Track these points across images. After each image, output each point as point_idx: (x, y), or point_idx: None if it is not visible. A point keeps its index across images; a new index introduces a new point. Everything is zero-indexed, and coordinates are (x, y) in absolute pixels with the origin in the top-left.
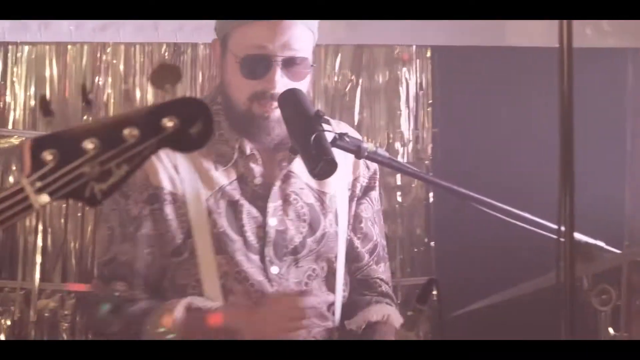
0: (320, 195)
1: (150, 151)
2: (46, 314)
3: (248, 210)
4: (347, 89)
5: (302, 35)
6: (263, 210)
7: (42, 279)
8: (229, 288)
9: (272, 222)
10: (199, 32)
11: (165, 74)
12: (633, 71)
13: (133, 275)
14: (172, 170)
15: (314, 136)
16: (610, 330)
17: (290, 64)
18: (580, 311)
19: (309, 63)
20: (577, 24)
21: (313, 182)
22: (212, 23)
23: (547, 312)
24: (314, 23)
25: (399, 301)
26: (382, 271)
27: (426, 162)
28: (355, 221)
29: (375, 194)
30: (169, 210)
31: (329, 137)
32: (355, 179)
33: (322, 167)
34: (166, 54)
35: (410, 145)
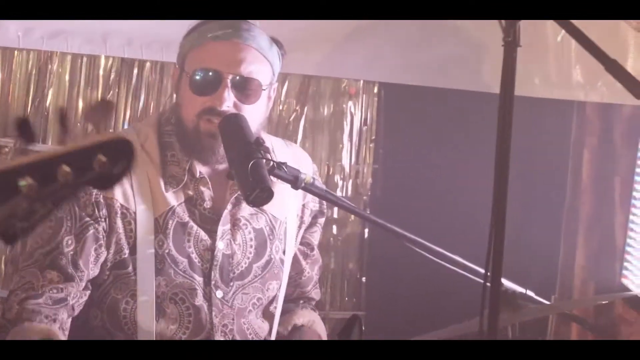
0: (271, 221)
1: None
2: None
3: (196, 232)
4: (291, 118)
5: (256, 60)
6: (211, 234)
7: None
8: (163, 309)
9: (220, 245)
10: (148, 49)
11: (99, 110)
12: (577, 123)
13: (74, 268)
14: (127, 185)
15: (251, 163)
16: None
17: (240, 84)
18: None
19: (261, 87)
20: (525, 72)
21: (266, 206)
22: (160, 41)
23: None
24: (274, 55)
25: (327, 333)
26: (317, 292)
27: (364, 197)
28: (306, 247)
29: (323, 220)
30: (119, 222)
31: (268, 165)
32: (304, 205)
33: (258, 195)
34: (113, 68)
35: (350, 180)
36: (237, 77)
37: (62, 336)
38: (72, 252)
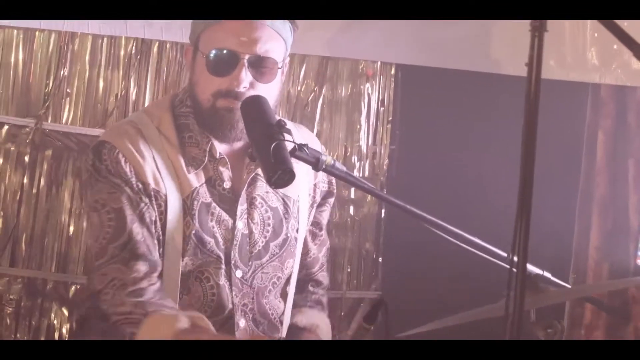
0: (285, 200)
1: None
2: None
3: (219, 213)
4: (309, 99)
5: (271, 38)
6: (231, 213)
7: None
8: (188, 286)
9: (239, 225)
10: (168, 30)
11: None
12: (591, 105)
13: (150, 253)
14: (154, 168)
15: (273, 145)
16: None
17: (256, 63)
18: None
19: (277, 65)
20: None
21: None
22: (179, 22)
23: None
24: (287, 30)
25: (342, 313)
26: (324, 274)
27: (381, 178)
28: (315, 227)
29: (332, 200)
30: (154, 205)
31: (289, 147)
32: (315, 185)
33: (280, 176)
34: (133, 48)
35: (367, 161)
36: (254, 57)
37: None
38: (144, 239)
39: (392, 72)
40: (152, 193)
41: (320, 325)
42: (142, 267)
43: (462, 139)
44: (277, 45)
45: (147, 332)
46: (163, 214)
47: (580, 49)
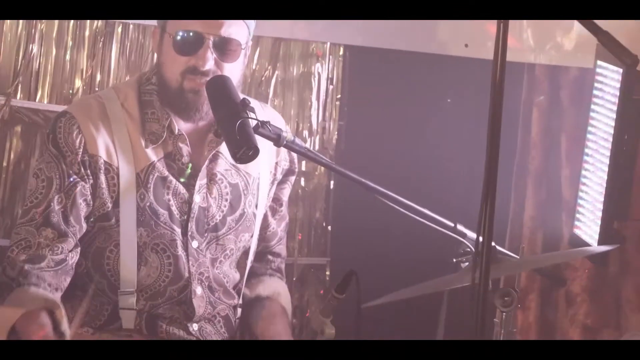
0: (246, 177)
1: None
2: None
3: (175, 186)
4: (263, 78)
5: (235, 22)
6: (189, 187)
7: None
8: (144, 257)
9: (197, 198)
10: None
11: None
12: (527, 84)
13: (66, 224)
14: (109, 141)
15: (238, 122)
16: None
17: (220, 45)
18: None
19: (240, 46)
20: (481, 36)
21: (240, 165)
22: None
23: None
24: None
25: (294, 278)
26: (282, 247)
27: (330, 151)
28: (275, 203)
29: (293, 178)
30: (102, 178)
31: (252, 124)
32: (277, 163)
33: (245, 152)
34: (97, 29)
35: (317, 136)
36: (218, 38)
37: (63, 308)
38: (62, 210)
39: (341, 52)
40: (103, 166)
41: (281, 293)
42: (49, 234)
43: (404, 115)
44: (240, 29)
45: (8, 302)
46: (116, 186)
47: (517, 31)
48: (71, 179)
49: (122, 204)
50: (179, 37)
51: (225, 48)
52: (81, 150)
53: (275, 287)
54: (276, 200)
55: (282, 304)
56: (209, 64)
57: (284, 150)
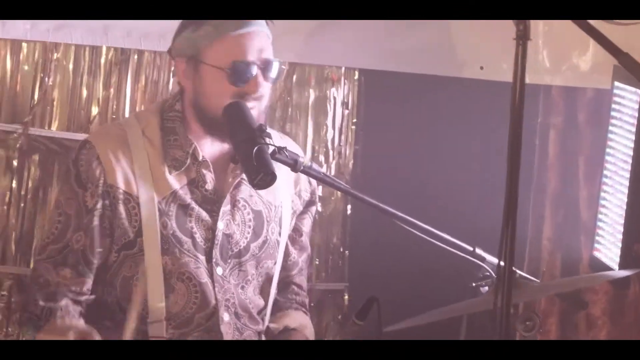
0: (267, 205)
1: None
2: None
3: (198, 213)
4: (278, 103)
5: (268, 41)
6: (212, 214)
7: None
8: (171, 286)
9: (220, 225)
10: (146, 39)
11: None
12: (543, 105)
13: (85, 263)
14: (128, 171)
15: (255, 148)
16: None
17: (266, 67)
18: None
19: (281, 64)
20: (495, 58)
21: (262, 192)
22: (158, 31)
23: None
24: (271, 30)
25: (312, 303)
26: (303, 279)
27: (346, 176)
28: (295, 233)
29: (314, 209)
30: (122, 208)
31: (269, 150)
32: (297, 193)
33: (262, 178)
34: (113, 57)
35: (333, 160)
36: (261, 62)
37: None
38: (82, 248)
39: (356, 77)
40: (122, 196)
41: (307, 326)
42: (67, 274)
43: (420, 138)
44: (271, 48)
45: (45, 336)
46: (138, 215)
47: (533, 52)
48: (89, 215)
49: (145, 233)
50: (232, 69)
51: (268, 70)
52: (102, 181)
53: (301, 321)
54: (296, 230)
55: (307, 337)
56: (261, 90)
57: (304, 180)
